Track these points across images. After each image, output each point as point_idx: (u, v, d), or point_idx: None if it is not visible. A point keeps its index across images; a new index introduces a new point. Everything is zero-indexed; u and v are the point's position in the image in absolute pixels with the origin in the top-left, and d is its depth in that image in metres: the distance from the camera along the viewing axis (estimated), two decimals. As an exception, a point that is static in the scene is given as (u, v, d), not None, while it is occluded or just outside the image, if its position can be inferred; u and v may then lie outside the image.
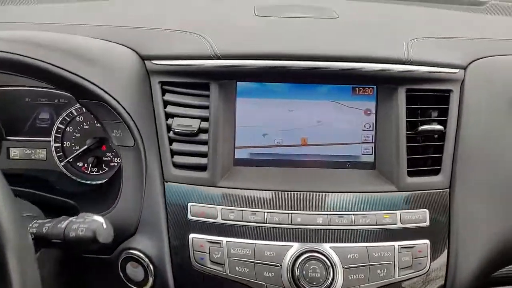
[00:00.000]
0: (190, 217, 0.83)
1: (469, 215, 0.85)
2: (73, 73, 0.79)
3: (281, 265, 0.79)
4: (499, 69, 0.91)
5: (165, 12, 1.08)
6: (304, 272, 0.77)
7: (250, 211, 0.83)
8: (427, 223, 0.84)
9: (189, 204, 0.84)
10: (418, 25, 1.05)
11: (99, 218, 0.64)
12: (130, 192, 0.84)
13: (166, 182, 0.86)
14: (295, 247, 0.80)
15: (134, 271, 0.83)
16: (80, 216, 0.65)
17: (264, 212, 0.83)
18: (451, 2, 1.30)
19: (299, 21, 1.01)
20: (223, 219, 0.82)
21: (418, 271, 0.81)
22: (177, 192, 0.85)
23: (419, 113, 0.90)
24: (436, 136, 0.89)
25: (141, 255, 0.82)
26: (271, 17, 1.01)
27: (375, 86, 0.91)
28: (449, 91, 0.89)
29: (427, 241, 0.82)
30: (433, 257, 0.82)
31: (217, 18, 1.04)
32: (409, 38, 0.90)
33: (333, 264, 0.78)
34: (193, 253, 0.81)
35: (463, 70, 0.90)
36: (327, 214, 0.83)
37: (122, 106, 0.82)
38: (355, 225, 0.82)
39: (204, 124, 0.87)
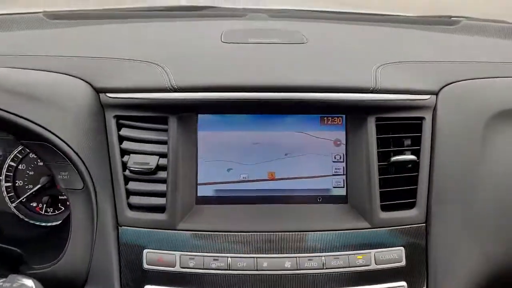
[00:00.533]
0: (145, 266, 0.76)
1: (448, 251, 0.80)
2: (11, 113, 0.72)
3: (245, 318, 0.72)
4: (472, 93, 0.87)
5: (125, 41, 1.02)
6: (270, 324, 0.70)
7: (212, 256, 0.76)
8: (403, 262, 0.78)
9: (145, 250, 0.77)
10: (387, 48, 1.02)
11: (29, 282, 0.57)
12: (79, 240, 0.77)
13: (120, 226, 0.79)
14: (261, 296, 0.73)
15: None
16: (9, 279, 0.57)
17: (228, 257, 0.76)
18: (422, 23, 1.28)
19: (266, 48, 0.96)
20: (182, 267, 0.75)
21: (396, 317, 0.75)
22: (133, 237, 0.78)
23: (391, 142, 0.86)
24: (409, 166, 0.85)
25: (91, 310, 0.74)
26: (238, 44, 0.97)
27: (344, 116, 0.86)
28: (421, 118, 0.85)
29: (403, 284, 0.77)
30: (411, 299, 0.76)
31: (180, 46, 0.99)
32: (378, 64, 0.86)
33: (302, 314, 0.71)
34: (149, 307, 0.74)
35: (435, 95, 0.86)
36: (295, 257, 0.76)
37: (69, 146, 0.76)
38: (326, 268, 0.76)
39: (163, 161, 0.81)
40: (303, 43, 0.98)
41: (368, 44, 1.04)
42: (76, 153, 0.75)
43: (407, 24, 1.24)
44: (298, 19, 1.27)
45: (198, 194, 0.85)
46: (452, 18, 1.30)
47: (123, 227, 0.79)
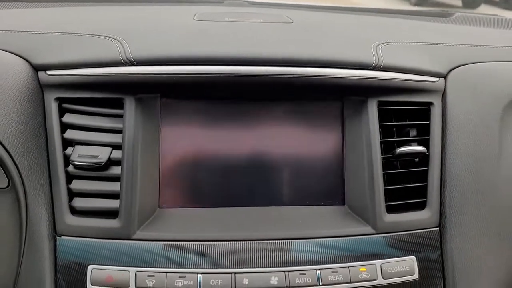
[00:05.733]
0: (89, 286, 0.58)
1: (466, 260, 0.66)
2: None
3: None
4: (486, 77, 0.76)
5: (75, 18, 0.86)
6: None
7: (177, 272, 0.59)
8: (416, 276, 0.63)
9: (90, 267, 0.60)
10: (385, 31, 0.90)
11: None
12: (0, 254, 0.59)
13: (59, 236, 0.62)
14: (240, 323, 0.57)
15: None
16: None
17: (198, 273, 0.59)
18: (416, 14, 1.19)
19: (246, 25, 0.82)
20: (138, 287, 0.58)
21: None
22: (74, 250, 0.61)
23: (395, 131, 0.72)
24: (417, 160, 0.71)
25: None
26: (213, 21, 0.82)
27: (340, 102, 0.72)
28: (429, 104, 0.72)
29: (418, 302, 0.62)
30: (428, 323, 0.61)
31: (143, 22, 0.83)
32: (378, 43, 0.73)
33: None
34: None
35: (443, 79, 0.73)
36: (284, 271, 0.61)
37: None
38: (323, 285, 0.60)
39: (117, 154, 0.65)
40: (288, 22, 0.85)
41: (364, 27, 0.92)
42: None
43: (401, 15, 1.13)
44: (284, 7, 1.15)
45: (162, 196, 0.69)
46: (444, 11, 1.22)
47: (62, 237, 0.62)
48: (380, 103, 0.70)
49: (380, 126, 0.70)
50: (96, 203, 0.64)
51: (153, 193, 0.67)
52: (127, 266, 0.59)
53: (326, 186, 0.71)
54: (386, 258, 0.63)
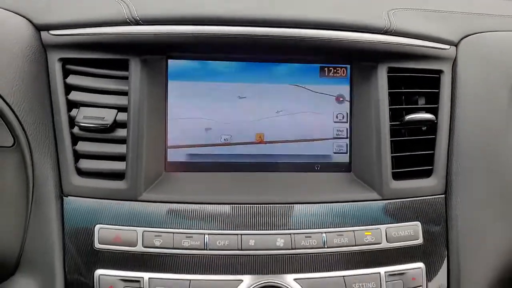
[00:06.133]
0: (97, 245, 0.59)
1: (471, 227, 0.67)
2: None
3: (226, 310, 0.56)
4: (497, 46, 0.74)
5: None
6: (258, 319, 0.54)
7: (184, 233, 0.60)
8: (420, 240, 0.64)
9: (97, 226, 0.60)
10: None
11: None
12: (7, 214, 0.59)
13: (66, 196, 0.62)
14: (246, 282, 0.58)
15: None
16: None
17: (205, 234, 0.60)
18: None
19: None
20: (145, 247, 0.59)
21: (412, 306, 0.61)
22: (81, 210, 0.61)
23: (403, 99, 0.71)
24: (425, 128, 0.71)
25: (21, 305, 0.56)
26: None
27: (349, 65, 0.71)
28: (439, 72, 0.71)
29: (421, 265, 0.63)
30: (430, 285, 0.62)
31: None
32: (389, 8, 0.71)
33: (299, 304, 0.56)
34: (99, 298, 0.57)
35: (454, 47, 0.72)
36: (290, 234, 0.61)
37: None
38: (328, 247, 0.61)
39: (122, 116, 0.64)
40: None
41: None
42: (2, 97, 0.57)
43: None
44: None
45: (168, 159, 0.69)
46: None
47: (68, 197, 0.62)
48: (390, 70, 0.69)
49: (389, 94, 0.69)
50: (102, 165, 0.64)
51: (159, 157, 0.67)
52: (134, 226, 0.60)
53: (333, 153, 0.71)
54: (391, 223, 0.64)
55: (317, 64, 0.71)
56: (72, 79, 0.65)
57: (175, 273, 0.57)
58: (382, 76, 0.68)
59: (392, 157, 0.67)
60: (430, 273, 0.63)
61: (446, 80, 0.71)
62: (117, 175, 0.63)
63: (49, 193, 0.61)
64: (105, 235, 0.59)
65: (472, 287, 0.64)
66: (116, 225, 0.60)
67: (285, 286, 0.57)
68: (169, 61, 0.68)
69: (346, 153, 0.72)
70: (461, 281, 0.64)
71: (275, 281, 0.57)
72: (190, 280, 0.57)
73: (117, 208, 0.61)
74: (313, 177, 0.70)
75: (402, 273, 0.61)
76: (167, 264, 0.58)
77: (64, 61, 0.65)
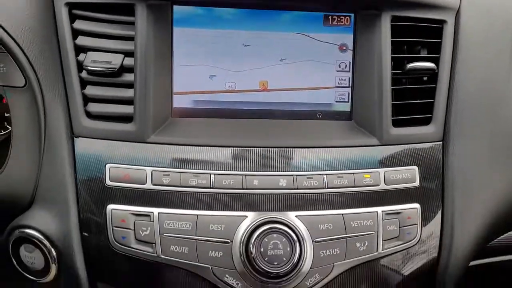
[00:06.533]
0: (108, 182, 0.62)
1: (466, 173, 0.69)
2: None
3: (232, 242, 0.59)
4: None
5: None
6: (262, 250, 0.58)
7: (191, 173, 0.62)
8: (417, 183, 0.67)
9: (108, 165, 0.62)
10: None
11: None
12: (22, 151, 0.61)
13: (76, 137, 0.64)
14: (250, 217, 0.61)
15: (30, 257, 0.60)
16: None
17: (211, 173, 0.62)
18: None
19: None
20: (154, 184, 0.61)
21: (407, 242, 0.64)
22: (91, 150, 0.63)
23: (405, 49, 0.72)
24: (426, 79, 0.72)
25: (38, 235, 0.60)
26: None
27: (352, 14, 0.71)
28: (443, 22, 0.71)
29: (417, 205, 0.66)
30: (425, 224, 0.66)
31: None
32: None
33: (300, 237, 0.59)
34: (112, 230, 0.60)
35: None
36: (292, 175, 0.64)
37: (5, 30, 0.58)
38: (328, 188, 0.64)
39: (129, 61, 0.65)
40: None
41: None
42: (13, 38, 0.58)
43: None
44: None
45: (174, 105, 0.70)
46: None
47: (79, 138, 0.64)
48: (393, 19, 0.69)
49: (392, 43, 0.69)
50: (111, 109, 0.65)
51: (165, 102, 0.69)
52: (143, 166, 0.62)
53: (335, 102, 0.73)
54: (389, 167, 0.66)
55: (321, 13, 0.71)
56: (79, 24, 0.65)
57: (183, 208, 0.61)
58: (385, 24, 0.68)
59: (392, 105, 0.69)
60: (425, 214, 0.66)
61: (448, 30, 0.71)
62: (126, 119, 0.65)
63: (61, 133, 0.63)
64: (115, 173, 0.62)
65: (464, 225, 0.67)
66: (126, 164, 0.62)
67: (288, 222, 0.60)
68: (174, 7, 0.68)
69: (348, 101, 0.73)
70: (454, 220, 0.67)
71: (278, 217, 0.60)
72: (197, 215, 0.60)
73: (126, 149, 0.63)
74: (315, 124, 0.72)
75: (399, 212, 0.65)
76: (176, 200, 0.61)
77: (71, 6, 0.65)
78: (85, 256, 0.61)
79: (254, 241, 0.58)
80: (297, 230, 0.59)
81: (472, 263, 0.75)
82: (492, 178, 0.71)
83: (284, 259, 0.58)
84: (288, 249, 0.58)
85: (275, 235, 0.59)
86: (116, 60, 0.65)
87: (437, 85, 0.71)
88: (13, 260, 0.62)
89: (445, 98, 0.71)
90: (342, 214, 0.63)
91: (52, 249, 0.60)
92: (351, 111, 0.73)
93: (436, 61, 0.71)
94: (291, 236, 0.59)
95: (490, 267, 0.83)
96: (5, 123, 0.62)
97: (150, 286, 0.60)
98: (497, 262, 0.83)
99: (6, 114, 0.62)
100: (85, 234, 0.61)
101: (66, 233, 0.60)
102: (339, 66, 0.73)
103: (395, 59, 0.70)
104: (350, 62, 0.73)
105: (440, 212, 0.67)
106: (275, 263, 0.57)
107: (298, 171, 0.64)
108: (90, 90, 0.65)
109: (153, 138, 0.64)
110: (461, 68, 0.71)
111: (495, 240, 0.77)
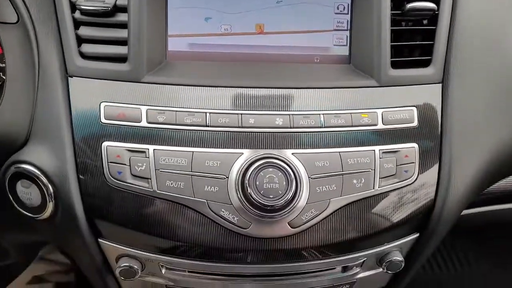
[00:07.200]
0: (103, 120, 0.61)
1: (465, 115, 0.68)
2: None
3: (227, 177, 0.59)
4: None
5: None
6: (257, 183, 0.57)
7: (186, 111, 0.62)
8: (415, 123, 0.66)
9: (103, 104, 0.62)
10: None
11: None
12: (16, 89, 0.61)
13: (70, 77, 0.63)
14: (246, 154, 0.60)
15: (27, 193, 0.61)
16: None
17: (206, 112, 0.62)
18: None
19: None
20: (149, 122, 0.61)
21: (404, 180, 0.64)
22: (86, 89, 0.63)
23: (405, -9, 0.70)
24: (426, 22, 0.71)
25: (34, 169, 0.60)
26: None
27: (351, -47, 0.70)
28: None
29: (415, 145, 0.65)
30: (422, 164, 0.65)
31: None
32: None
33: (296, 172, 0.59)
34: (108, 165, 0.60)
35: None
36: (288, 114, 0.63)
37: None
38: (325, 127, 0.63)
39: (123, 1, 0.64)
40: None
41: None
42: None
43: None
44: None
45: (169, 48, 0.69)
46: None
47: (73, 77, 0.63)
48: None
49: None
50: (105, 49, 0.64)
51: (160, 44, 0.68)
52: (138, 104, 0.62)
53: (333, 46, 0.72)
54: (387, 108, 0.65)
55: None
56: None
57: (178, 146, 0.60)
58: None
59: (391, 48, 0.68)
60: (423, 154, 0.65)
61: None
62: (120, 59, 0.64)
63: (54, 73, 0.62)
64: (110, 111, 0.61)
65: (461, 168, 0.67)
66: (121, 103, 0.62)
67: (284, 158, 0.60)
68: None
69: (346, 45, 0.72)
70: (452, 162, 0.66)
71: (274, 154, 0.60)
72: (192, 152, 0.60)
73: (121, 88, 0.63)
74: (313, 68, 0.71)
75: (396, 151, 0.64)
76: (171, 138, 0.61)
77: None
78: (81, 191, 0.61)
79: (250, 175, 0.58)
80: (293, 165, 0.59)
81: (466, 211, 0.75)
82: (491, 121, 0.70)
83: (280, 192, 0.57)
84: (284, 183, 0.58)
85: (270, 169, 0.58)
86: (109, 0, 0.64)
87: (437, 26, 0.69)
88: (10, 197, 0.62)
89: (445, 40, 0.69)
90: (339, 152, 0.62)
91: (49, 185, 0.60)
92: (350, 55, 0.72)
93: (436, 1, 0.69)
94: (287, 171, 0.58)
95: (483, 217, 0.83)
96: None
97: (146, 222, 0.60)
98: (490, 212, 0.83)
99: None
100: (81, 169, 0.61)
101: (62, 169, 0.60)
102: (338, 8, 0.71)
103: (395, 1, 0.69)
104: (348, 4, 0.71)
105: (438, 153, 0.66)
106: (271, 196, 0.57)
107: (295, 110, 0.64)
108: (84, 31, 0.64)
109: (148, 78, 0.64)
110: (461, 8, 0.69)
111: (492, 187, 0.76)
